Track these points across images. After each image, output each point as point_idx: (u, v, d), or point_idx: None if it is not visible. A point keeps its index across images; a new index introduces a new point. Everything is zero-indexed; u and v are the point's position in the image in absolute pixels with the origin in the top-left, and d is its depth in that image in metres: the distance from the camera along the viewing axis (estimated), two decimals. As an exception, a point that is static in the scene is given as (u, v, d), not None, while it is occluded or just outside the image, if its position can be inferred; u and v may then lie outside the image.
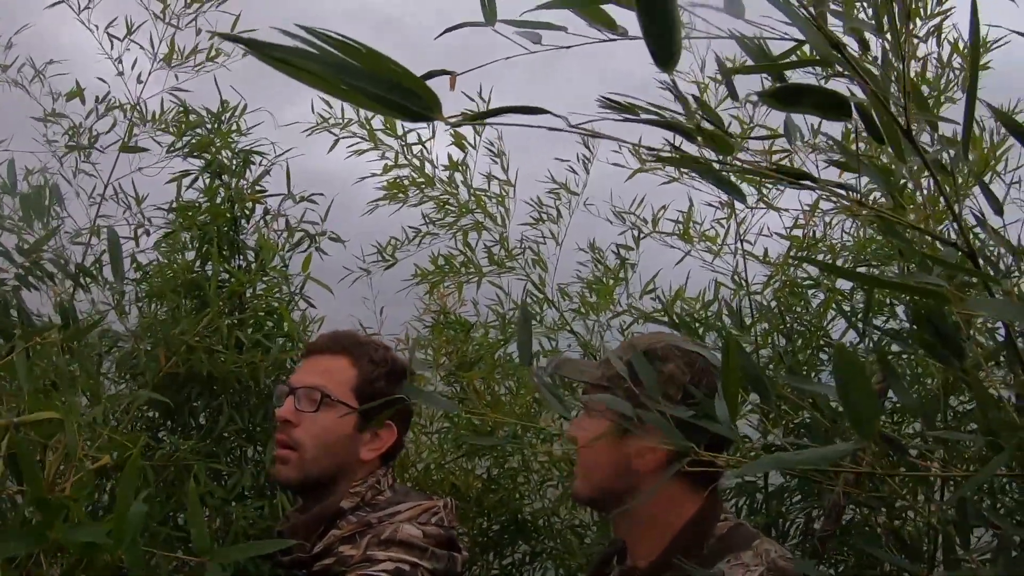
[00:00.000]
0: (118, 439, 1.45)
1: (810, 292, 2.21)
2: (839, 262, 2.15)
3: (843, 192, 0.77)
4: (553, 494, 2.60)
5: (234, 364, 1.93)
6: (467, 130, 2.57)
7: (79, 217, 2.15)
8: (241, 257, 2.24)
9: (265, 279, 2.13)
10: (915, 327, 1.05)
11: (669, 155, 0.66)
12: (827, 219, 2.17)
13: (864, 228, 2.16)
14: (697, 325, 2.02)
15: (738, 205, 2.22)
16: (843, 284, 2.15)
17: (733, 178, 0.74)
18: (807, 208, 2.06)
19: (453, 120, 0.49)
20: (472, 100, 2.50)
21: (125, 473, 0.77)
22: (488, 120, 0.52)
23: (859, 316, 1.66)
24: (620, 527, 1.35)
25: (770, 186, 2.21)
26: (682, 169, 2.25)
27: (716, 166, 0.66)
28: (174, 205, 2.17)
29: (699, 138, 0.62)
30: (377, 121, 2.50)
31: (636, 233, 2.27)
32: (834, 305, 1.97)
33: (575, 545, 2.45)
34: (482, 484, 2.48)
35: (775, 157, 0.73)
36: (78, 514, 0.79)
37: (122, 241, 2.13)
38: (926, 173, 0.81)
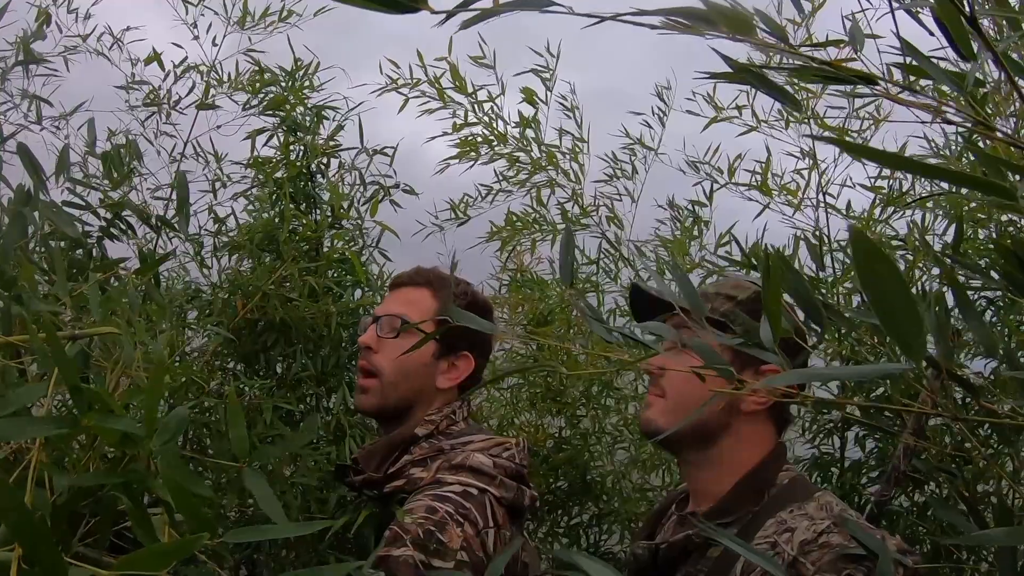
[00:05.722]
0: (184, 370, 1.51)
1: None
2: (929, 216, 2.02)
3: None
4: (624, 456, 2.56)
5: (307, 311, 1.98)
6: (538, 86, 2.54)
7: (161, 176, 2.24)
8: (318, 211, 2.28)
9: (338, 229, 2.17)
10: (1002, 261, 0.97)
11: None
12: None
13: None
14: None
15: (820, 155, 2.11)
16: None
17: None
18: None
19: (440, 11, 0.42)
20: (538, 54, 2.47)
21: (152, 379, 0.79)
22: (491, 9, 0.43)
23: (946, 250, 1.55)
24: (690, 470, 1.31)
25: (855, 133, 2.09)
26: (762, 119, 2.15)
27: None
28: (252, 160, 2.23)
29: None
30: (446, 80, 2.51)
31: (711, 185, 2.19)
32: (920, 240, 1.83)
33: (644, 508, 2.41)
34: (553, 442, 2.47)
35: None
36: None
37: (200, 194, 2.24)
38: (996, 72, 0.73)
